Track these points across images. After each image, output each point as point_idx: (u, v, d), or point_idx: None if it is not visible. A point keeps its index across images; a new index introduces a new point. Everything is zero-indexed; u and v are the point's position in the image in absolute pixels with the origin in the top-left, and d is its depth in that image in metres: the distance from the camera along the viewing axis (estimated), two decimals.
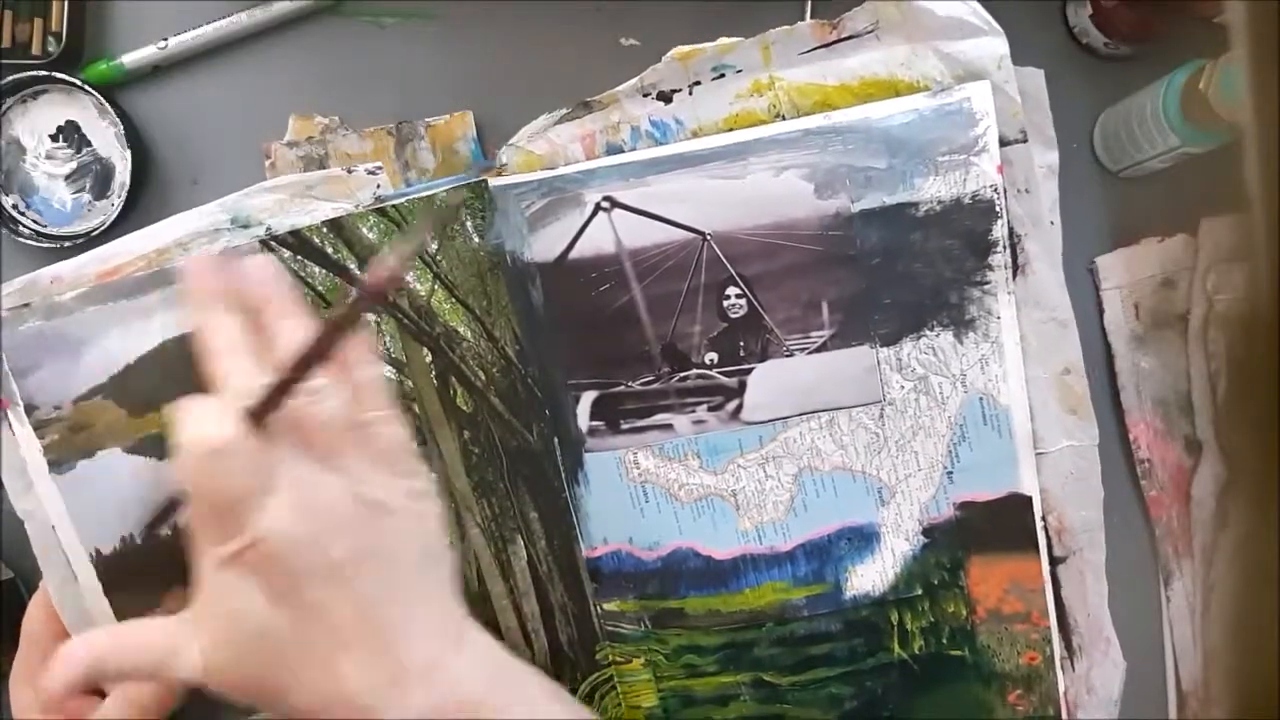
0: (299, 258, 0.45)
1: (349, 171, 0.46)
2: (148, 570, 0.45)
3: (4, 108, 0.58)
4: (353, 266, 0.45)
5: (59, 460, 0.44)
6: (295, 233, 0.45)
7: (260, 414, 0.36)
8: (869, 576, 0.48)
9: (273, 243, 0.44)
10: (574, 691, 0.49)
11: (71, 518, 0.44)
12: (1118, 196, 0.59)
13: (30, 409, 0.43)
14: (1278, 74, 0.24)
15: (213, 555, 0.36)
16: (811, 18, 0.58)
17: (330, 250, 0.45)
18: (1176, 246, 0.58)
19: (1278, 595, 0.25)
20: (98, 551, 0.44)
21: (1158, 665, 0.58)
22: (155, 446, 0.44)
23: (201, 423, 0.35)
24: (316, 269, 0.45)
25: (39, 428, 0.43)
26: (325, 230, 0.45)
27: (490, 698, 0.38)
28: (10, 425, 0.43)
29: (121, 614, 0.45)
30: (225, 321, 0.39)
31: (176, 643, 0.37)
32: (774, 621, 0.48)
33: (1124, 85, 0.56)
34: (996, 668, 0.48)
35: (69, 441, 0.44)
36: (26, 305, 0.43)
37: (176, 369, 0.44)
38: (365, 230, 0.45)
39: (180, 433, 0.35)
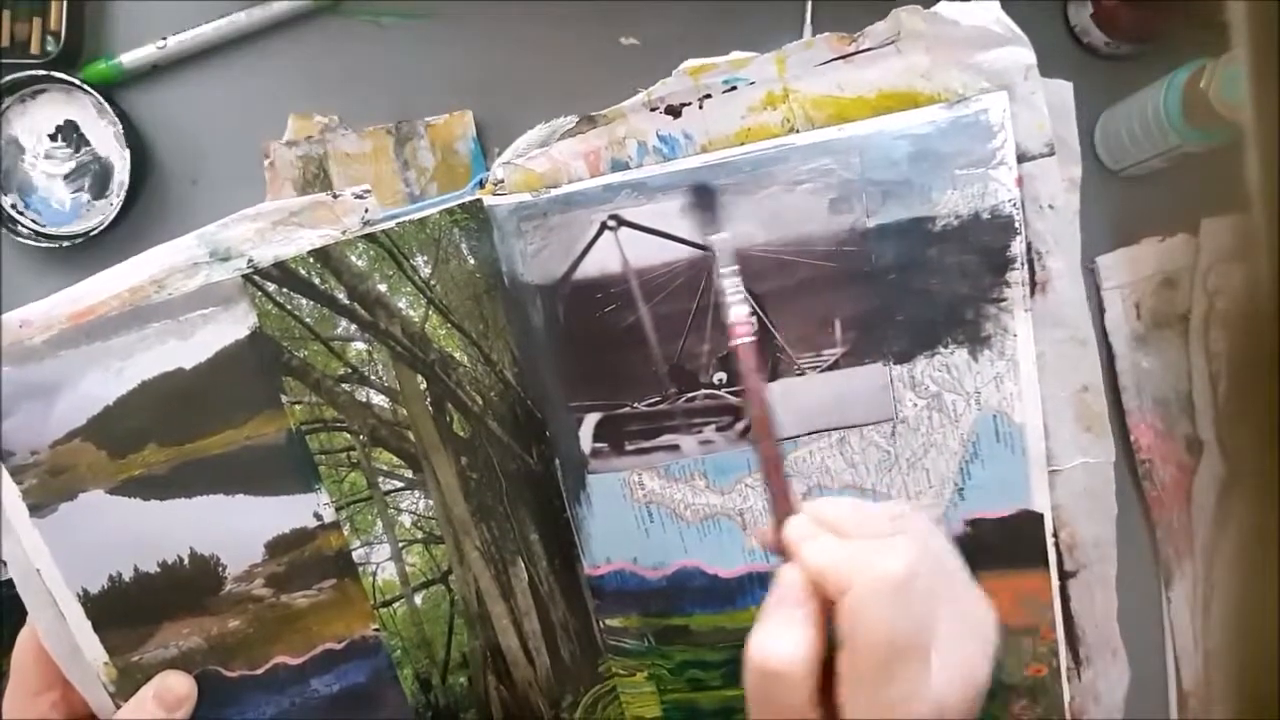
0: (284, 290, 0.43)
1: (335, 196, 0.43)
2: (139, 605, 0.43)
3: (3, 107, 0.58)
4: (341, 296, 0.43)
5: (39, 504, 0.42)
6: (279, 264, 0.42)
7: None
8: None
9: (256, 277, 0.42)
10: (576, 704, 0.49)
11: (55, 560, 0.42)
12: (1118, 196, 0.58)
13: (6, 455, 0.42)
14: (1278, 73, 0.24)
15: None
16: (812, 15, 0.58)
17: (318, 281, 0.43)
18: (1177, 246, 0.58)
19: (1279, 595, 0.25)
20: (85, 591, 0.43)
21: (1159, 666, 0.58)
22: (139, 488, 0.43)
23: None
24: (304, 301, 0.43)
25: (15, 473, 0.42)
26: (311, 260, 0.43)
27: None
28: None
29: (114, 649, 0.44)
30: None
31: None
32: None
33: (1125, 84, 0.56)
34: (1003, 680, 0.47)
35: (48, 485, 0.42)
36: None
37: (157, 409, 0.42)
38: (354, 258, 0.43)
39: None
